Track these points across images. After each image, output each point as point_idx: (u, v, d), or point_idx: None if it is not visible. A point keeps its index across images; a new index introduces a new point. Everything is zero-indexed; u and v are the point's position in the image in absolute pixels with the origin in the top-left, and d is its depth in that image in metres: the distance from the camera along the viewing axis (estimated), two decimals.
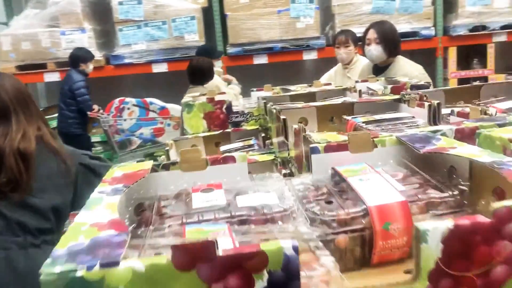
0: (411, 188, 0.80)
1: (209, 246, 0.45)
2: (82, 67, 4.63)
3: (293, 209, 0.74)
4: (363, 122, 1.37)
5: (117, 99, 4.39)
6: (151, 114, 4.18)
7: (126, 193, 0.78)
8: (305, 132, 1.05)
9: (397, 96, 1.52)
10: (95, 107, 4.69)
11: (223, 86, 4.00)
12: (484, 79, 5.69)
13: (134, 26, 5.20)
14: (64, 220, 1.57)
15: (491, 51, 5.58)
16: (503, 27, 5.42)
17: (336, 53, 3.89)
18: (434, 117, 1.34)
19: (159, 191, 0.86)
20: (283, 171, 1.30)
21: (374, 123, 1.36)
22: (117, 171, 0.83)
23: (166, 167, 0.88)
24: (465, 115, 1.16)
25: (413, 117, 1.39)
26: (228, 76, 4.86)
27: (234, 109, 2.19)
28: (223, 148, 1.92)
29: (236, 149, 1.89)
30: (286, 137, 1.33)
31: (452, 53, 5.58)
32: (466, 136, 0.96)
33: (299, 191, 0.84)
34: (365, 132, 0.92)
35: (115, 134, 4.13)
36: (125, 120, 4.21)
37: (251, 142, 1.95)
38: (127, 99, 4.35)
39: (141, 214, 0.77)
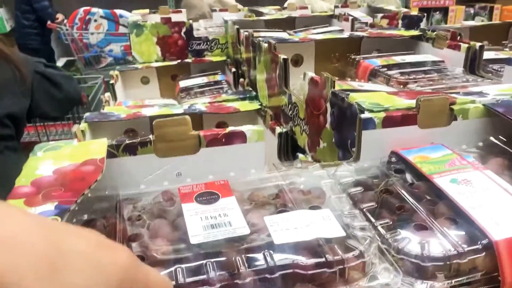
0: None
1: None
2: None
3: (372, 248, 0.42)
4: (383, 66, 1.04)
5: (82, 9, 3.62)
6: (121, 29, 3.49)
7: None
8: (333, 87, 0.71)
9: (417, 33, 1.19)
10: (60, 16, 3.93)
11: None
12: (445, 10, 5.50)
13: None
14: (22, 129, 1.46)
15: None
16: None
17: None
18: (473, 63, 1.04)
19: (121, 190, 0.50)
20: (278, 129, 0.96)
21: (396, 67, 1.04)
22: (41, 163, 0.45)
23: (130, 149, 0.52)
24: None
25: (443, 61, 1.08)
26: None
27: (195, 34, 1.77)
28: (182, 83, 1.54)
29: (200, 86, 1.51)
30: (286, 83, 0.98)
31: None
32: None
33: (354, 196, 0.52)
34: (442, 96, 0.60)
35: (82, 49, 3.42)
36: (92, 34, 3.50)
37: (218, 77, 1.58)
38: (94, 9, 3.59)
39: None
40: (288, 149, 0.97)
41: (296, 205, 0.47)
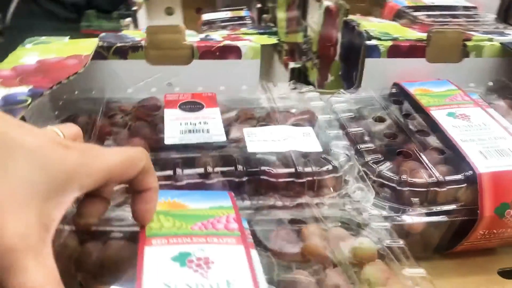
0: None
1: None
2: None
3: (347, 165, 0.41)
4: (410, 7, 0.98)
5: None
6: None
7: (49, 95, 0.43)
8: (347, 15, 0.68)
9: None
10: None
11: None
12: None
13: None
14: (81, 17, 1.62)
15: None
16: None
17: None
18: (507, 12, 0.97)
19: (108, 93, 0.50)
20: (291, 64, 0.94)
21: (424, 9, 0.98)
22: (27, 54, 0.45)
23: (121, 52, 0.51)
24: None
25: (475, 7, 1.01)
26: None
27: None
28: (206, 16, 1.50)
29: (223, 21, 1.47)
30: (304, 15, 0.94)
31: None
32: None
33: (344, 121, 0.50)
34: (455, 30, 0.56)
35: None
36: None
37: (243, 13, 1.53)
38: None
39: None
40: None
41: (280, 122, 0.46)
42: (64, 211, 0.24)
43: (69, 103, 0.47)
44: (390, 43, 0.56)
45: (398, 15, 0.99)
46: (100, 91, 0.50)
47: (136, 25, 1.51)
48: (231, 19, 1.54)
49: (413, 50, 0.57)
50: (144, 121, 0.46)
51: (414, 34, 0.60)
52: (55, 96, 0.47)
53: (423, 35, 0.58)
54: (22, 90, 0.37)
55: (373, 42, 0.56)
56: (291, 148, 0.41)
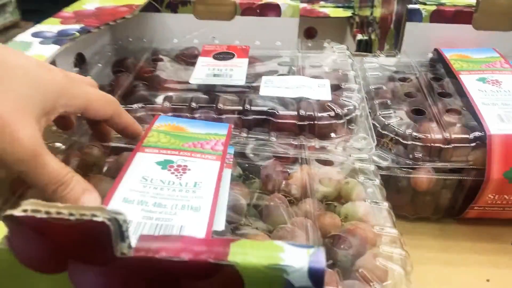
0: None
1: (100, 228, 0.18)
2: None
3: (353, 114, 0.43)
4: None
5: None
6: None
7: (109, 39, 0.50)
8: None
9: None
10: None
11: None
12: None
13: None
14: None
15: None
16: None
17: None
18: None
19: (156, 43, 0.56)
20: (358, 36, 0.94)
21: None
22: (90, 1, 0.53)
23: (172, 6, 0.57)
24: None
25: None
26: None
27: None
28: None
29: None
30: None
31: None
32: None
33: (372, 81, 0.51)
34: None
35: None
36: None
37: None
38: None
39: (116, 77, 0.49)
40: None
41: (302, 74, 0.49)
42: (46, 125, 0.29)
43: (122, 47, 0.55)
44: (434, 7, 0.55)
45: None
46: (150, 40, 0.56)
47: None
48: None
49: (459, 16, 0.55)
50: (180, 65, 0.52)
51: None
52: (113, 40, 0.55)
53: (473, 1, 0.56)
54: (75, 27, 0.44)
55: (415, 6, 0.55)
56: (300, 95, 0.43)
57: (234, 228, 0.31)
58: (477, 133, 0.42)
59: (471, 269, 0.42)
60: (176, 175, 0.31)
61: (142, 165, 0.32)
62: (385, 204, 0.36)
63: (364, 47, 0.94)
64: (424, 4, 0.56)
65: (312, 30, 1.19)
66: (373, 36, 0.91)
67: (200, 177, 0.31)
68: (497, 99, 0.45)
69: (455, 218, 0.47)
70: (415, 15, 0.55)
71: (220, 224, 0.29)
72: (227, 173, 0.33)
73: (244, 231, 0.31)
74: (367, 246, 0.31)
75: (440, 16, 0.55)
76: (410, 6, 0.55)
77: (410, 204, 0.47)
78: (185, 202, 0.28)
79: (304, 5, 1.32)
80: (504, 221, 0.46)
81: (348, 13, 1.12)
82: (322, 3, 1.33)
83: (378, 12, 0.87)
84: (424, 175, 0.43)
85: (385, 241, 0.32)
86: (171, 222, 0.27)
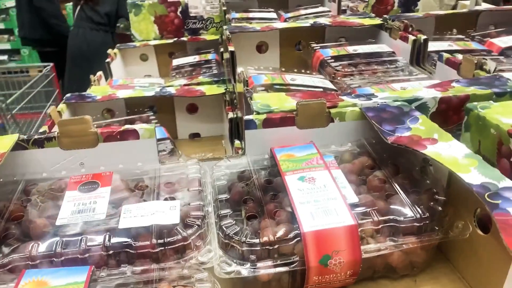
0: (368, 196, 0.59)
1: None
2: None
3: (198, 232, 0.52)
4: (332, 58, 1.10)
5: None
6: None
7: None
8: (248, 86, 0.80)
9: (378, 22, 1.23)
10: None
11: None
12: None
13: None
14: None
15: None
16: None
17: None
18: (418, 56, 1.08)
19: (27, 178, 0.63)
20: (230, 114, 1.06)
21: (345, 58, 1.10)
22: None
23: (38, 143, 0.64)
24: (455, 65, 0.91)
25: (393, 52, 1.12)
26: None
27: (192, 12, 1.85)
28: (176, 61, 1.64)
29: (191, 65, 1.61)
30: (234, 74, 1.07)
31: None
32: (452, 108, 0.73)
33: (221, 187, 0.62)
34: (320, 101, 0.68)
35: None
36: None
37: (209, 57, 1.66)
38: None
39: None
40: (239, 132, 1.06)
41: (159, 195, 0.58)
42: None
43: None
44: (264, 116, 0.68)
45: (322, 65, 1.11)
46: (22, 175, 0.62)
47: (110, 75, 1.65)
48: (198, 63, 1.67)
49: (284, 120, 0.68)
50: (52, 202, 0.58)
51: (291, 104, 0.71)
52: None
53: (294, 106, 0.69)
54: None
55: (250, 116, 0.67)
56: (152, 223, 0.52)
57: None
58: (296, 231, 0.53)
59: None
60: None
61: None
62: None
63: (236, 124, 1.07)
64: (258, 113, 0.69)
65: (192, 107, 1.30)
66: (239, 114, 1.04)
67: None
68: (311, 196, 0.57)
69: None
70: (250, 124, 0.67)
71: None
72: None
73: None
74: None
75: (270, 122, 0.68)
76: (245, 117, 0.67)
77: None
78: None
79: (183, 82, 1.42)
80: None
81: (221, 89, 1.25)
82: (200, 78, 1.44)
83: (239, 87, 0.99)
84: (264, 271, 0.53)
85: None
86: None
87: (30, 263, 0.48)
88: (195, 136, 1.27)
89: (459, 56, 0.93)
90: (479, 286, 0.56)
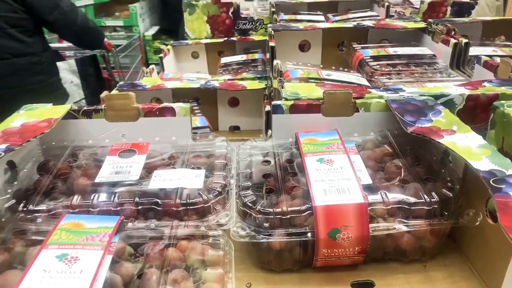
0: (383, 181, 0.61)
1: None
2: None
3: (218, 198, 0.57)
4: (371, 58, 1.12)
5: None
6: None
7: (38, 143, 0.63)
8: (281, 77, 0.84)
9: (422, 25, 1.24)
10: None
11: None
12: None
13: None
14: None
15: None
16: None
17: None
18: (459, 59, 1.08)
19: (76, 144, 0.70)
20: (267, 107, 1.10)
21: (384, 59, 1.12)
22: (18, 118, 0.66)
23: (87, 113, 0.71)
24: (492, 67, 0.91)
25: (434, 55, 1.13)
26: None
27: (243, 13, 1.92)
28: (224, 59, 1.72)
29: (238, 63, 1.68)
30: (273, 69, 1.11)
31: None
32: (480, 106, 0.74)
33: (245, 164, 0.66)
34: (346, 90, 0.71)
35: None
36: None
37: (256, 56, 1.72)
38: None
39: (39, 179, 0.62)
40: None
41: (188, 166, 0.64)
42: None
43: (47, 150, 0.68)
44: (291, 102, 0.72)
45: (361, 64, 1.13)
46: (70, 142, 0.70)
47: (162, 69, 1.75)
48: (245, 62, 1.74)
49: (310, 107, 0.72)
50: (94, 164, 0.65)
51: (318, 92, 0.75)
52: (40, 144, 0.69)
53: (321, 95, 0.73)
54: (1, 147, 0.58)
55: (277, 102, 0.72)
56: (177, 186, 0.58)
57: None
58: (308, 205, 0.57)
59: None
60: (68, 265, 0.44)
61: (44, 260, 0.45)
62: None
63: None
64: (286, 99, 0.73)
65: (234, 100, 1.36)
66: None
67: (86, 265, 0.44)
68: (327, 176, 0.60)
69: (311, 267, 0.62)
70: (278, 109, 0.72)
71: None
72: (107, 259, 0.47)
73: None
74: None
75: (296, 108, 0.72)
76: (273, 102, 0.72)
77: (274, 260, 0.61)
78: (70, 287, 0.42)
79: (228, 77, 1.49)
80: (344, 267, 0.61)
81: (262, 85, 1.30)
82: (244, 74, 1.50)
83: (275, 83, 1.03)
84: (276, 239, 0.57)
85: None
86: None
87: (70, 210, 0.55)
88: (235, 128, 1.33)
89: (498, 60, 0.93)
90: (487, 274, 0.57)
